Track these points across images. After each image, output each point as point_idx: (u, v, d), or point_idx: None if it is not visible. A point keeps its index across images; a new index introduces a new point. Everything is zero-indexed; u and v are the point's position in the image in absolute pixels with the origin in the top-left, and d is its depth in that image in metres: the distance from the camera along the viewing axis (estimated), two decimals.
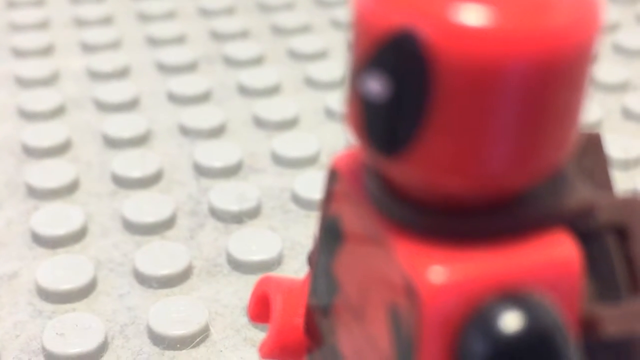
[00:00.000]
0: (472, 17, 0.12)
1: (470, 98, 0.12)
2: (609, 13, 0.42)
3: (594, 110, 0.34)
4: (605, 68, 0.36)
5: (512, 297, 0.13)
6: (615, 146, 0.31)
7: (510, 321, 0.12)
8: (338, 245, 0.16)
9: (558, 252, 0.13)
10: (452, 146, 0.12)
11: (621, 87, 0.36)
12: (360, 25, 0.13)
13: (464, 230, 0.13)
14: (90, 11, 0.41)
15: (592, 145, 0.16)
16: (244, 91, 0.35)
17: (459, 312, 0.13)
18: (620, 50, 0.39)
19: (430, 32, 0.12)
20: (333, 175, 0.15)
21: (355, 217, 0.15)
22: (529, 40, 0.12)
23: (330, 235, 0.16)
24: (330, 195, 0.16)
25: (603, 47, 0.39)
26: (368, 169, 0.14)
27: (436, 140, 0.12)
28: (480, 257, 0.13)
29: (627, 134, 0.33)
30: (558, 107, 0.12)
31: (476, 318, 0.13)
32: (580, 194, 0.14)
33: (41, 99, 0.34)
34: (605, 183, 0.15)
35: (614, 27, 0.41)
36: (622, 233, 0.14)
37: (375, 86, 0.12)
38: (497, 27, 0.12)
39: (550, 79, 0.12)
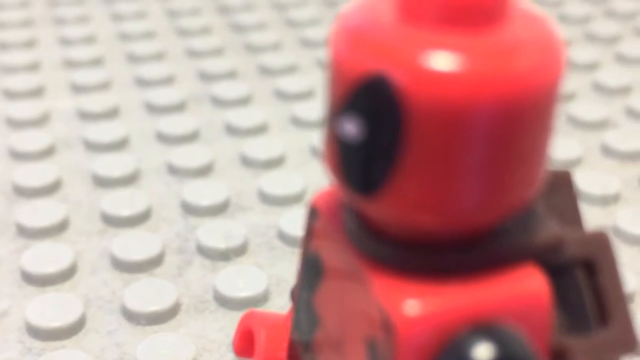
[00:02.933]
0: (442, 62, 0.12)
1: (440, 139, 0.12)
2: (589, 52, 0.42)
3: (574, 147, 0.34)
4: (584, 106, 0.37)
5: (484, 328, 0.13)
6: (594, 182, 0.32)
7: (482, 352, 0.13)
8: (319, 281, 0.16)
9: (528, 286, 0.14)
10: (425, 185, 0.13)
11: (600, 125, 0.36)
12: (336, 70, 0.13)
13: (438, 265, 0.14)
14: (80, 53, 0.42)
15: (562, 182, 0.16)
16: (231, 130, 0.36)
17: (432, 344, 0.13)
18: (599, 89, 0.39)
19: (402, 77, 0.12)
20: (313, 213, 0.16)
21: (334, 253, 0.15)
22: (495, 83, 0.12)
23: (311, 271, 0.16)
24: (310, 232, 0.16)
25: (583, 85, 0.40)
26: (346, 206, 0.15)
27: (409, 179, 0.13)
28: (453, 290, 0.14)
29: (606, 170, 0.33)
30: (525, 146, 0.13)
31: (449, 349, 0.13)
32: (549, 229, 0.14)
33: (32, 140, 0.35)
34: (575, 219, 0.16)
35: (593, 66, 0.41)
36: (590, 266, 0.15)
37: (351, 128, 0.13)
38: (465, 72, 0.12)
39: (516, 119, 0.13)
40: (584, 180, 0.32)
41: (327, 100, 0.14)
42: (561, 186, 0.16)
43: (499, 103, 0.12)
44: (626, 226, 0.29)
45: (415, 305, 0.13)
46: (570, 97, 0.39)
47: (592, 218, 0.30)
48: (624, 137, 0.35)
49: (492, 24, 0.13)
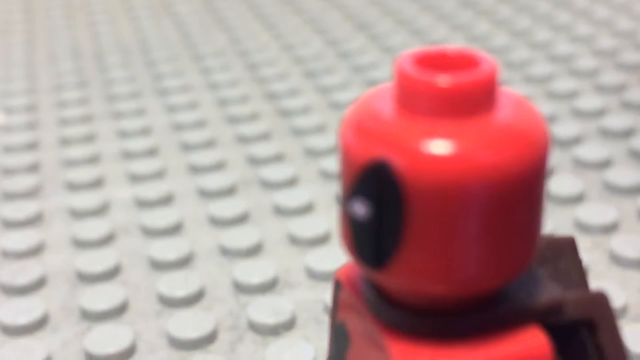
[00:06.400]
0: (436, 147, 0.14)
1: (438, 215, 0.14)
2: (624, 120, 0.44)
3: (611, 213, 0.35)
4: (620, 172, 0.38)
5: None
6: (630, 246, 0.33)
7: None
8: (346, 349, 0.18)
9: (531, 344, 0.15)
10: (429, 257, 0.14)
11: (637, 190, 0.37)
12: (345, 157, 0.15)
13: (448, 330, 0.15)
14: (136, 144, 0.45)
15: (568, 248, 0.18)
16: (279, 211, 0.38)
17: None
18: (635, 155, 0.41)
19: (401, 162, 0.14)
20: (337, 286, 0.17)
21: (357, 322, 0.17)
22: (484, 165, 0.14)
23: (340, 340, 0.18)
24: (336, 303, 0.18)
25: (618, 152, 0.41)
26: (364, 278, 0.16)
27: (415, 252, 0.14)
28: (463, 352, 0.15)
29: None
30: (517, 218, 0.15)
31: None
32: (549, 292, 0.16)
33: (93, 228, 0.37)
34: (580, 282, 0.17)
35: (629, 133, 0.43)
36: (590, 325, 0.16)
37: (359, 209, 0.15)
38: (457, 155, 0.14)
39: (506, 197, 0.14)
40: (621, 244, 0.33)
41: (340, 185, 0.15)
42: (567, 251, 0.18)
43: (489, 183, 0.14)
44: None
45: None
46: (605, 164, 0.40)
47: (631, 280, 0.31)
48: None
49: (481, 111, 0.14)
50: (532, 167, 0.14)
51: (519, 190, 0.14)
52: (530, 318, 0.15)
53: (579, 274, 0.17)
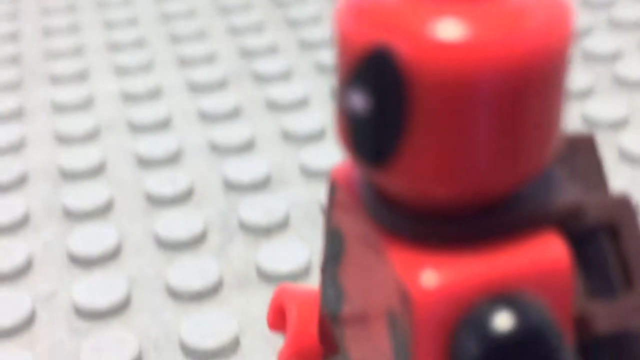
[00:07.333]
0: (445, 32, 0.12)
1: (447, 109, 0.12)
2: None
3: (621, 108, 0.34)
4: (632, 65, 0.37)
5: (503, 298, 0.13)
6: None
7: (502, 321, 0.13)
8: (341, 254, 0.16)
9: (547, 252, 0.14)
10: (434, 155, 0.13)
11: None
12: (342, 43, 0.13)
13: (455, 236, 0.14)
14: (123, 35, 0.43)
15: (586, 146, 0.16)
16: (273, 106, 0.36)
17: (451, 315, 0.13)
18: None
19: (406, 48, 0.12)
20: (332, 187, 0.16)
21: (354, 226, 0.15)
22: (500, 52, 0.12)
23: (334, 245, 0.16)
24: (331, 206, 0.16)
25: (628, 45, 0.39)
26: (362, 179, 0.15)
27: (418, 150, 0.13)
28: (471, 260, 0.13)
29: None
30: (535, 111, 0.13)
31: (468, 319, 0.13)
32: (569, 194, 0.14)
33: (76, 123, 0.35)
34: (599, 183, 0.16)
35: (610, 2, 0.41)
36: (613, 231, 0.14)
37: (358, 101, 0.13)
38: (469, 41, 0.12)
39: (523, 87, 0.12)
40: (631, 141, 0.31)
41: (336, 75, 0.14)
42: (585, 150, 0.16)
43: (503, 72, 0.12)
44: None
45: (433, 276, 0.13)
46: (615, 56, 0.38)
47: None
48: None
49: None
50: (553, 54, 0.13)
51: (537, 80, 0.13)
52: (547, 223, 0.14)
53: (598, 174, 0.16)
